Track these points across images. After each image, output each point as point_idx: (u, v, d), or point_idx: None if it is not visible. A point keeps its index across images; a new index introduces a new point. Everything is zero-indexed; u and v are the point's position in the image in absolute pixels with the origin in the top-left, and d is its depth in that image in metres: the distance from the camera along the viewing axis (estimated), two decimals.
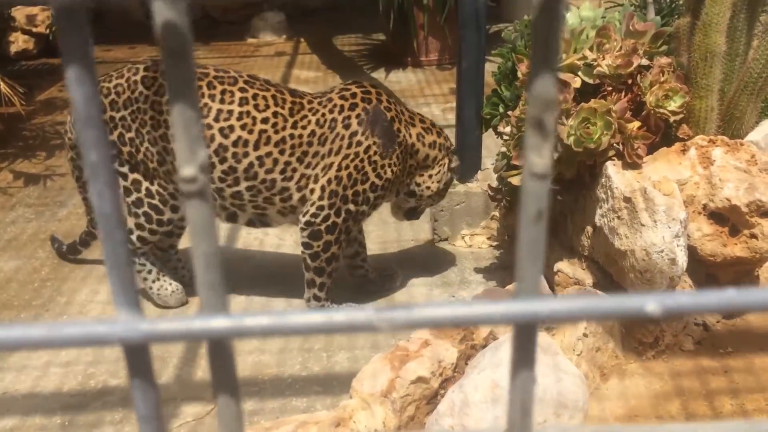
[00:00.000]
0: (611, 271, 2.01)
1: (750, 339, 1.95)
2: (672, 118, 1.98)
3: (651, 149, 2.00)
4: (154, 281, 2.35)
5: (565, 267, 2.16)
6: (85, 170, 0.23)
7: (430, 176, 2.35)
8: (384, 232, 2.99)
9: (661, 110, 1.96)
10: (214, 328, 0.23)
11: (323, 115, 2.16)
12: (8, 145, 3.91)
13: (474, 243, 2.85)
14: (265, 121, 2.11)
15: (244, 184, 2.14)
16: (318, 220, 2.17)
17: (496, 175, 2.37)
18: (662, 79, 1.97)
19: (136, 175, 2.18)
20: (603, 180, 1.99)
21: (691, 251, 1.90)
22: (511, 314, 0.23)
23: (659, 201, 1.83)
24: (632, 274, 1.87)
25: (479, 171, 2.89)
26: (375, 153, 2.16)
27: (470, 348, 1.75)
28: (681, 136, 2.03)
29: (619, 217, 1.91)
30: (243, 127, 2.09)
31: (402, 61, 5.58)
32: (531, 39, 0.22)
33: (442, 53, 5.54)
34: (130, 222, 2.23)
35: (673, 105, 1.96)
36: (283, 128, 2.12)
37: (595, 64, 2.05)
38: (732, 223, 1.91)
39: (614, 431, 0.54)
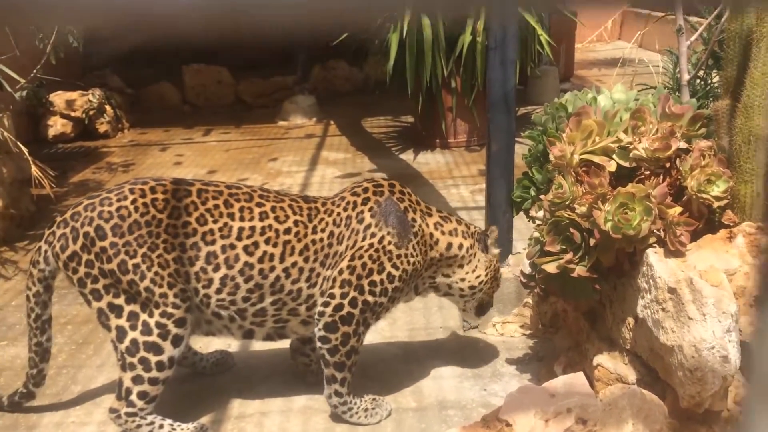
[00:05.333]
0: (656, 367, 1.86)
1: None
2: (716, 204, 1.87)
3: (694, 236, 1.88)
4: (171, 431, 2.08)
5: (605, 361, 2.01)
6: None
7: (467, 272, 2.31)
8: (411, 319, 2.87)
9: (704, 195, 1.86)
10: None
11: (338, 214, 2.15)
12: (38, 227, 3.92)
13: (506, 331, 2.71)
14: (287, 231, 2.08)
15: (269, 299, 2.08)
16: (329, 309, 2.07)
17: (528, 261, 2.27)
18: (703, 162, 1.88)
19: (133, 307, 1.99)
20: (644, 268, 1.87)
21: (744, 348, 1.74)
22: None
23: (707, 292, 1.70)
24: (681, 372, 1.72)
25: (510, 255, 2.78)
26: (389, 243, 2.12)
27: None
28: (726, 223, 1.92)
29: (663, 309, 1.78)
30: (267, 241, 2.05)
31: (430, 143, 5.60)
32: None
33: (470, 135, 5.54)
34: (126, 380, 2.01)
35: (717, 190, 1.86)
36: (305, 235, 2.10)
37: (631, 147, 1.97)
38: None
39: None
